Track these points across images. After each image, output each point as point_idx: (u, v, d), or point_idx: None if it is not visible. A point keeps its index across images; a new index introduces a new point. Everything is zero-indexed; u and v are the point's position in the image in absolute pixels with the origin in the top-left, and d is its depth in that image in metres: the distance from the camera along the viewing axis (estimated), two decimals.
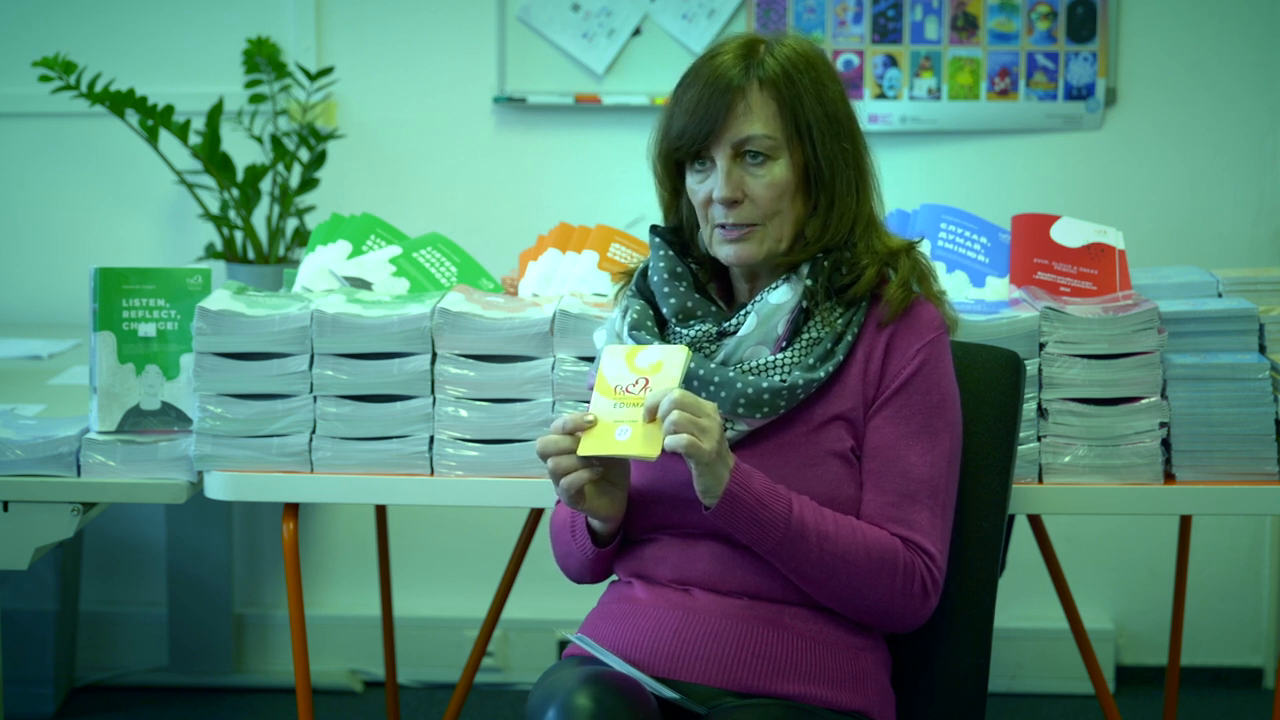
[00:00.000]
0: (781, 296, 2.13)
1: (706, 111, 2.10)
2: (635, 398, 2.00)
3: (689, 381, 2.10)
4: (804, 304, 2.14)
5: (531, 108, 3.79)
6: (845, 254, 2.14)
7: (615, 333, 2.21)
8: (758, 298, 2.15)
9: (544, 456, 2.03)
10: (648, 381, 2.01)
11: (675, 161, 2.18)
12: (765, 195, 2.11)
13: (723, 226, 2.13)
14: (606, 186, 3.77)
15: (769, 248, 2.14)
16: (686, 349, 2.03)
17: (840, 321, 2.13)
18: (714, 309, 2.18)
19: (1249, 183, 3.76)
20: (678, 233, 2.24)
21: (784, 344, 2.14)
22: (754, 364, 2.12)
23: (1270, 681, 3.83)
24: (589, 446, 2.01)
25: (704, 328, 2.16)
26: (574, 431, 2.02)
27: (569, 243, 2.78)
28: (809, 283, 2.13)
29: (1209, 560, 3.81)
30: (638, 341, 2.16)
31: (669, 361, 2.02)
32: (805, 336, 2.13)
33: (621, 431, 2.00)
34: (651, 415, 1.98)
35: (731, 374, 2.11)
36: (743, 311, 2.15)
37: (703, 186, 2.14)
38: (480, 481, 2.49)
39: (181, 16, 3.82)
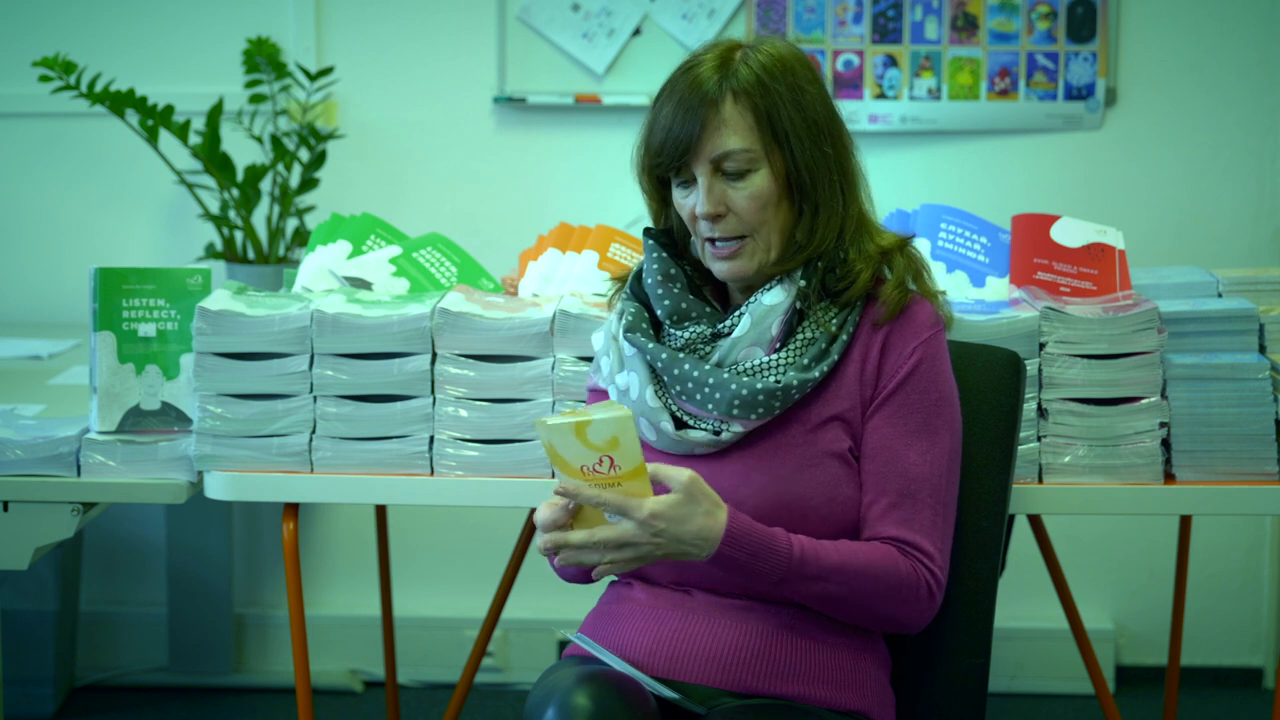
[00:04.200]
0: (775, 298, 2.13)
1: (682, 128, 2.09)
2: (606, 477, 1.96)
3: (683, 384, 2.11)
4: (798, 305, 2.13)
5: (531, 108, 3.79)
6: (838, 255, 2.14)
7: (611, 335, 2.21)
8: (751, 299, 2.15)
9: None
10: (612, 460, 1.95)
11: (658, 175, 2.17)
12: (748, 207, 2.10)
13: (712, 242, 2.13)
14: (606, 186, 3.77)
15: (760, 259, 2.13)
16: (626, 411, 1.95)
17: (834, 322, 2.13)
18: (708, 310, 2.18)
19: (1249, 183, 3.76)
20: (671, 235, 2.23)
21: (778, 345, 2.13)
22: (748, 365, 2.12)
23: (1270, 681, 3.83)
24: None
25: (698, 330, 2.15)
26: (561, 530, 2.00)
27: (569, 243, 2.78)
28: (802, 283, 2.13)
29: (1209, 560, 3.81)
30: (632, 344, 2.15)
31: (621, 434, 1.94)
32: (799, 337, 2.13)
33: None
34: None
35: (725, 375, 2.10)
36: (736, 313, 2.15)
37: (687, 202, 2.13)
38: (480, 481, 2.49)
39: (181, 17, 3.82)
